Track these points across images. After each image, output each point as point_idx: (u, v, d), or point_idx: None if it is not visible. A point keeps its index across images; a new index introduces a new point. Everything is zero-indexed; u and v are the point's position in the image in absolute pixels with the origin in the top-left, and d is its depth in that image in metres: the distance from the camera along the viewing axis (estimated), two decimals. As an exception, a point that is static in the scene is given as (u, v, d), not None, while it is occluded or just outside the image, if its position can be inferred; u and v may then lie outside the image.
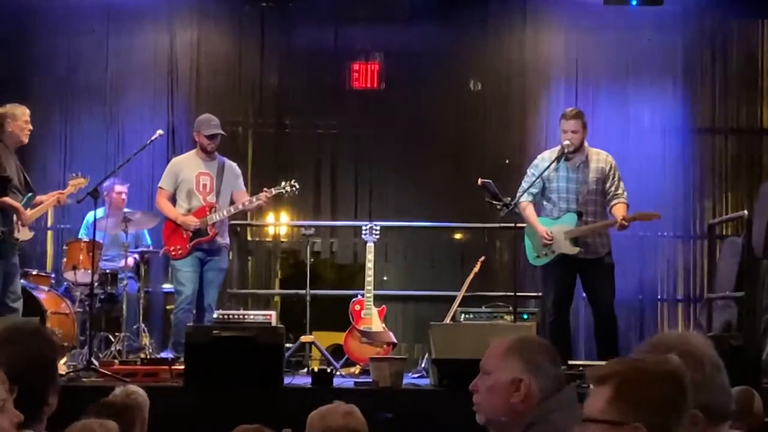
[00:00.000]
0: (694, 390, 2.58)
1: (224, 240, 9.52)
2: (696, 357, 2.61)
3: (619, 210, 8.74)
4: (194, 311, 9.34)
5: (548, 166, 8.77)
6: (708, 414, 2.59)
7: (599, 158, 8.87)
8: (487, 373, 3.31)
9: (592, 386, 2.38)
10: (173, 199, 9.50)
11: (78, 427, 3.82)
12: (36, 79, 11.46)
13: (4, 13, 11.43)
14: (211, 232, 9.29)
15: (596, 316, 8.91)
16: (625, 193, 8.84)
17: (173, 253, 9.36)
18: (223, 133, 9.53)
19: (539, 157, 9.08)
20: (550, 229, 8.75)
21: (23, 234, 8.67)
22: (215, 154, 9.53)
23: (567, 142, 8.73)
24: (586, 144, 8.88)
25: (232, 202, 9.47)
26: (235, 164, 9.73)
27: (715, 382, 2.61)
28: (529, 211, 8.90)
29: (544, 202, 8.94)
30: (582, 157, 8.81)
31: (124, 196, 10.28)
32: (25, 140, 8.80)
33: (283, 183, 9.44)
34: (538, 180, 8.81)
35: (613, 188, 8.81)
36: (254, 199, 9.38)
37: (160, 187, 9.55)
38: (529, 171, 9.01)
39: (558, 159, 8.76)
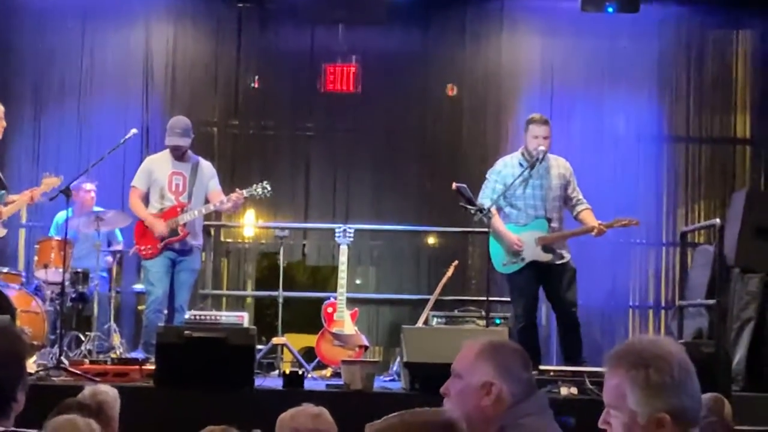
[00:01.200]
0: (663, 393, 2.59)
1: (197, 241, 9.48)
2: (666, 360, 2.62)
3: (588, 216, 8.80)
4: (165, 312, 9.31)
5: (522, 172, 8.77)
6: (676, 418, 2.60)
7: (559, 164, 8.93)
8: (458, 376, 3.31)
9: None
10: (146, 199, 9.45)
11: (61, 421, 3.80)
12: (9, 76, 11.40)
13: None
14: (182, 232, 9.25)
15: (562, 321, 8.97)
16: (584, 198, 8.95)
17: (144, 252, 9.32)
18: (181, 144, 9.38)
19: (500, 162, 9.08)
20: (519, 235, 8.76)
21: (-3, 231, 8.63)
22: (189, 153, 9.49)
23: (541, 148, 8.74)
24: None
25: (206, 202, 9.43)
26: (209, 164, 9.69)
27: (684, 387, 2.61)
28: (497, 219, 8.86)
29: (507, 208, 8.91)
30: (545, 163, 8.85)
31: (93, 194, 10.23)
32: (-1, 137, 8.77)
33: (255, 185, 9.40)
34: (501, 186, 8.81)
35: (575, 194, 8.88)
36: (226, 200, 9.33)
37: (133, 186, 9.52)
38: (491, 177, 8.99)
39: (532, 165, 8.77)
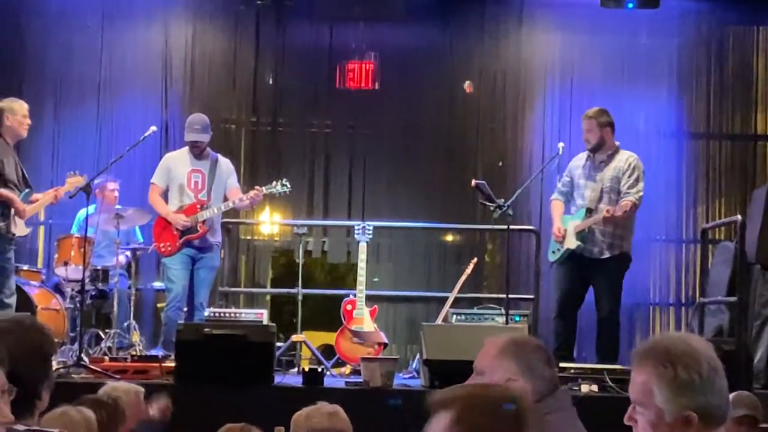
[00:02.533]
0: (691, 391, 2.56)
1: (215, 238, 9.47)
2: (695, 358, 2.59)
3: (620, 203, 8.72)
4: (185, 309, 9.31)
5: (581, 165, 8.94)
6: (703, 416, 2.58)
7: (620, 158, 8.93)
8: (480, 373, 3.29)
9: (435, 411, 2.34)
10: (165, 196, 9.46)
11: (57, 413, 3.81)
12: (29, 74, 11.46)
13: (-1, 8, 11.42)
14: (201, 229, 9.24)
15: (598, 319, 8.93)
16: (640, 194, 8.80)
17: (163, 249, 9.32)
18: (201, 140, 9.35)
19: (576, 157, 9.20)
20: (565, 225, 8.85)
21: (20, 230, 8.64)
22: (208, 150, 9.49)
23: (586, 143, 8.86)
24: (617, 144, 8.97)
25: (225, 200, 9.43)
26: (227, 161, 9.66)
27: (712, 385, 2.59)
28: (552, 208, 9.11)
29: (573, 199, 9.06)
30: (603, 156, 8.89)
31: (116, 193, 10.25)
32: (24, 134, 8.82)
33: (274, 182, 9.39)
34: (568, 179, 8.99)
35: (626, 187, 8.80)
36: (245, 197, 9.33)
37: (152, 183, 9.50)
38: (565, 171, 9.18)
39: (587, 158, 8.91)
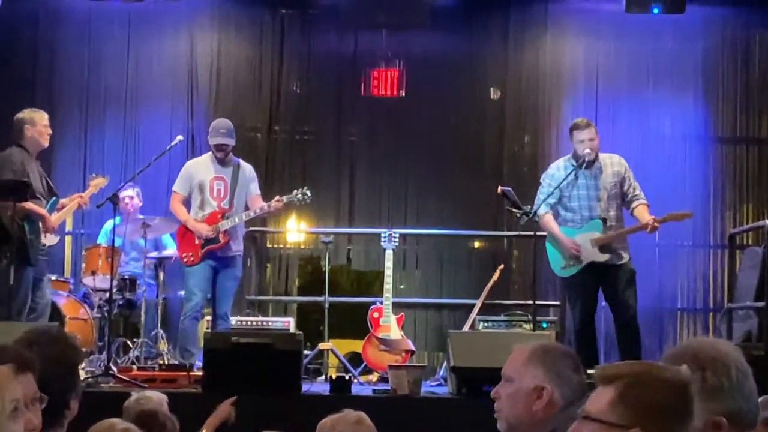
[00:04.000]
0: (721, 396, 2.55)
1: (238, 247, 9.37)
2: (724, 363, 2.59)
3: (642, 212, 8.67)
4: (199, 318, 9.30)
5: (568, 175, 8.73)
6: (732, 421, 2.56)
7: (613, 161, 8.85)
8: (508, 380, 3.29)
9: (597, 385, 2.35)
10: (187, 204, 9.44)
11: (105, 426, 3.83)
12: (57, 84, 11.53)
13: (27, 18, 11.50)
14: (222, 239, 9.20)
15: (619, 324, 8.81)
16: (642, 193, 8.80)
17: (185, 259, 9.23)
18: (227, 143, 9.30)
19: (553, 166, 9.05)
20: (574, 238, 8.72)
21: (49, 239, 8.70)
22: (231, 156, 9.46)
23: (588, 151, 8.68)
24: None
25: (246, 208, 9.40)
26: (250, 166, 9.59)
27: (742, 389, 2.58)
28: (552, 223, 8.85)
29: (563, 212, 8.87)
30: (598, 163, 8.79)
31: (135, 200, 10.25)
32: (46, 144, 8.83)
33: (294, 191, 9.33)
34: (556, 190, 8.76)
35: (631, 190, 8.77)
36: (266, 206, 9.28)
37: (174, 191, 9.44)
38: (544, 181, 8.95)
39: (580, 166, 8.73)
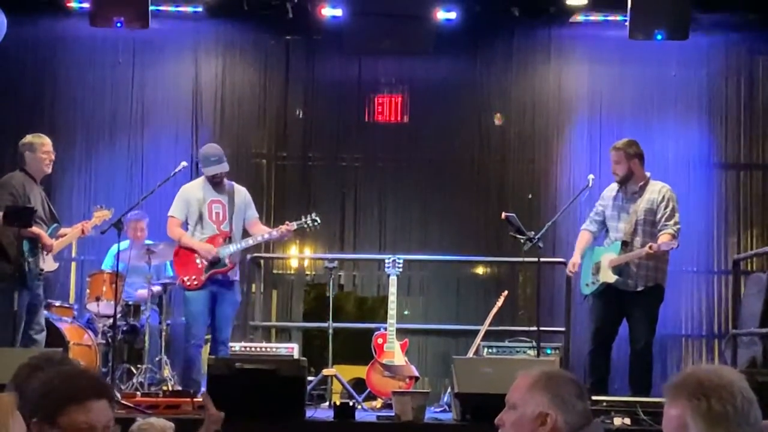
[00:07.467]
0: (726, 423, 2.54)
1: (235, 275, 9.37)
2: (728, 390, 2.58)
3: (660, 239, 8.66)
4: (203, 345, 9.28)
5: (613, 195, 8.92)
6: (738, 448, 2.56)
7: (653, 189, 8.90)
8: (512, 407, 3.28)
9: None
10: (185, 228, 9.37)
11: (141, 424, 3.85)
12: (61, 110, 11.56)
13: (32, 44, 11.54)
14: (229, 263, 9.19)
15: (630, 353, 8.87)
16: (677, 226, 8.75)
17: (188, 283, 9.20)
18: (221, 172, 9.30)
19: (608, 188, 9.17)
20: (600, 257, 8.80)
21: (48, 264, 8.71)
22: (224, 180, 9.42)
23: (616, 174, 8.87)
24: (647, 175, 8.94)
25: (244, 230, 9.39)
26: (244, 189, 9.58)
27: (746, 416, 2.58)
28: (579, 239, 9.10)
29: (605, 231, 9.03)
30: (635, 187, 8.87)
31: (140, 233, 10.21)
32: (48, 170, 8.85)
33: (303, 217, 9.36)
34: (601, 209, 8.98)
35: (663, 219, 8.75)
36: (275, 232, 9.29)
37: (171, 216, 9.38)
38: (599, 201, 9.16)
39: (619, 189, 8.91)
